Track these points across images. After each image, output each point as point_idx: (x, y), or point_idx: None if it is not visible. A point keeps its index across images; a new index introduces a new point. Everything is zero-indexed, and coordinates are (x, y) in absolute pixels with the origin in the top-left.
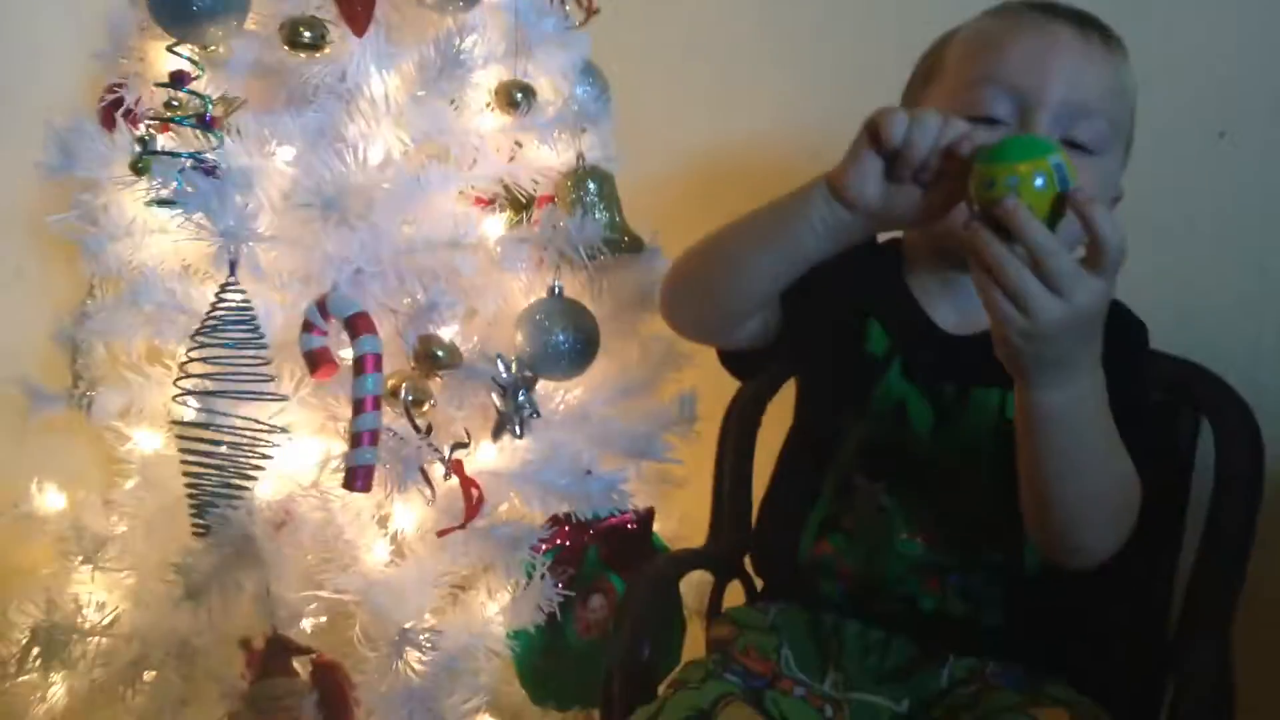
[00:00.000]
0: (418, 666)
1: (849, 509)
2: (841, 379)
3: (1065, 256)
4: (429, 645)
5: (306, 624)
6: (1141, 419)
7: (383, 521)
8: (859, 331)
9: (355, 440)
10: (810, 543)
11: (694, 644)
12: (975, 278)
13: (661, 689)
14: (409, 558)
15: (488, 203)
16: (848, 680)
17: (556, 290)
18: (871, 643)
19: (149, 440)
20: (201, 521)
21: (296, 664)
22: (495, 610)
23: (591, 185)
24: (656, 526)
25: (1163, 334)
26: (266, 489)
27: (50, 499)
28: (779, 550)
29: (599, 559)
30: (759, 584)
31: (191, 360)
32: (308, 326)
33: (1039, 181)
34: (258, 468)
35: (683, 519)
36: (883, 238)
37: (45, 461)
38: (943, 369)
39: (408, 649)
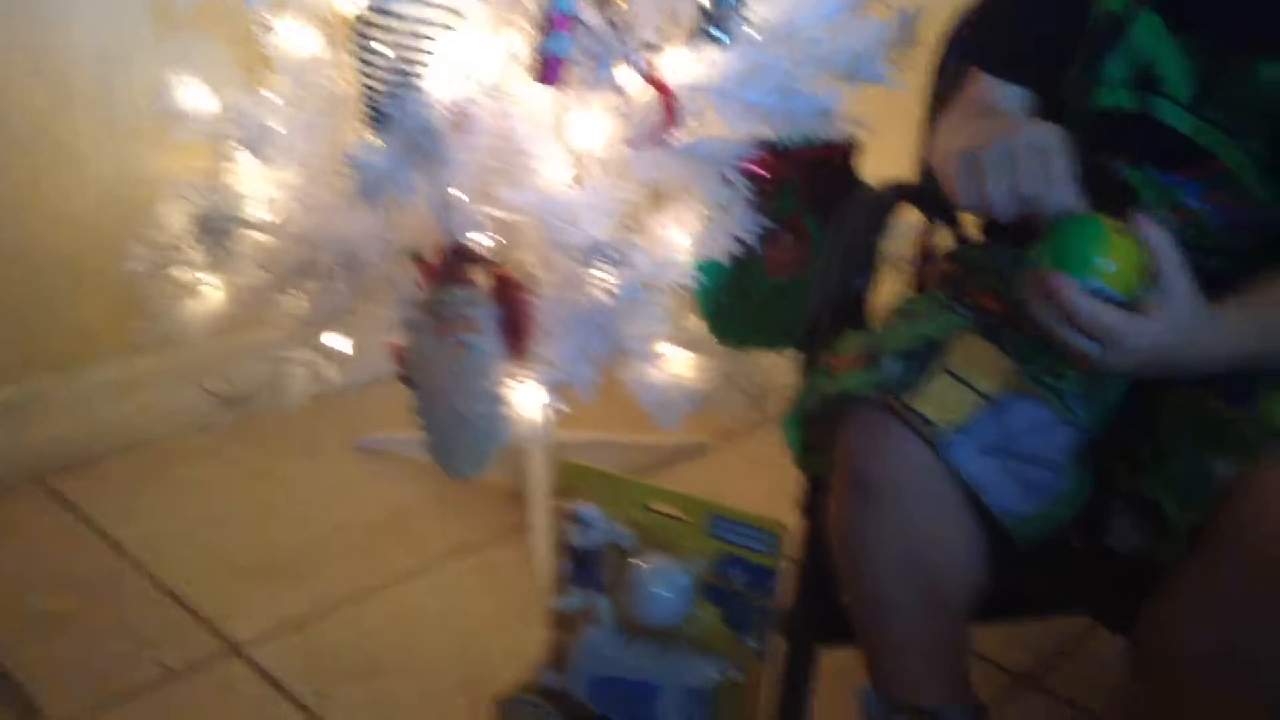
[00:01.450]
0: (602, 285)
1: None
2: (1063, 48)
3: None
4: (617, 260)
5: (481, 240)
6: None
7: (562, 133)
8: None
9: (549, 24)
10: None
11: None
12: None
13: (878, 320)
14: (589, 177)
15: None
16: None
17: None
18: None
19: (303, 40)
20: (375, 110)
21: (476, 276)
22: (683, 239)
23: None
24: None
25: None
26: (443, 89)
27: (194, 96)
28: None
29: (795, 194)
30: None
31: None
32: None
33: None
34: (429, 53)
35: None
36: None
37: (187, 63)
38: (1215, 20)
39: (593, 265)
